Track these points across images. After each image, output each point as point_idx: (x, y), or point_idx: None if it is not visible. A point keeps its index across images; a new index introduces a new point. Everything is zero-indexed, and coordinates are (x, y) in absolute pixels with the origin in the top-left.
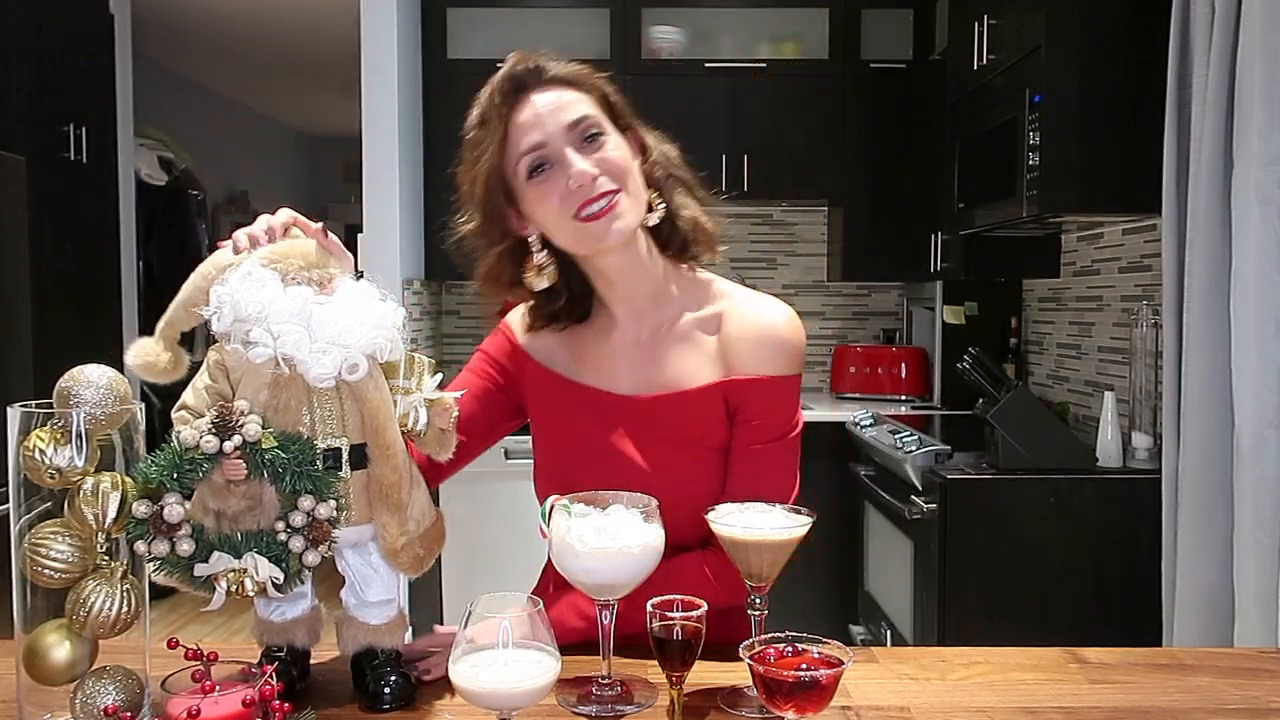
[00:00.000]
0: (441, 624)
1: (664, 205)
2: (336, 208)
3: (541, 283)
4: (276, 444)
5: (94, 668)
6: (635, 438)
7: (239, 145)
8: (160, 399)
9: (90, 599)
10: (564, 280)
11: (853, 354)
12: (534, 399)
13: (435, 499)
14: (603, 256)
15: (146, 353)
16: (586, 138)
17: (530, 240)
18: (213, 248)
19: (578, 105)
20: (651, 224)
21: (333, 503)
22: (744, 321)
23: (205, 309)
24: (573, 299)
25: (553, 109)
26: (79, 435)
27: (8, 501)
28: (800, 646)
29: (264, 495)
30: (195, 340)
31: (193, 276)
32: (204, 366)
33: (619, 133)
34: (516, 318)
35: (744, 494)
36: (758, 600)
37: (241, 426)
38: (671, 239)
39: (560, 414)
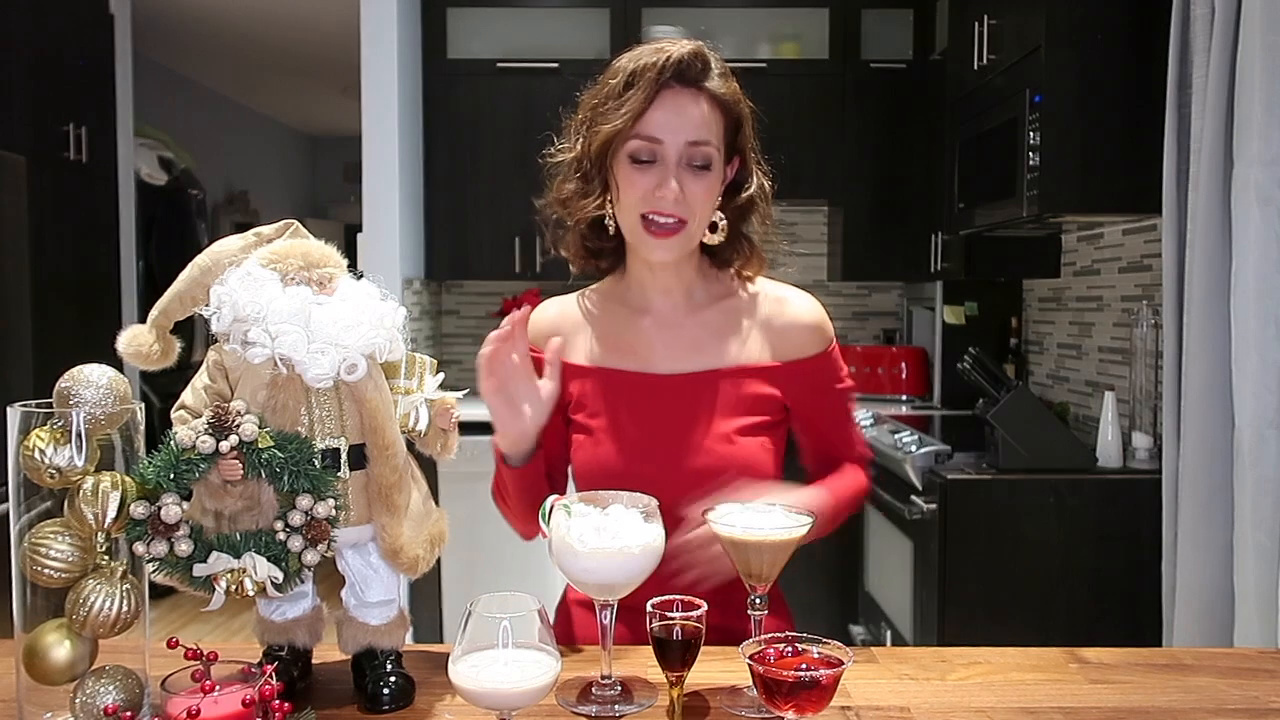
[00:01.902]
0: (441, 624)
1: (730, 229)
2: (336, 208)
3: (612, 227)
4: (273, 443)
5: (94, 667)
6: (685, 416)
7: (239, 145)
8: (160, 399)
9: (90, 599)
10: (616, 231)
11: (853, 354)
12: (575, 396)
13: (435, 499)
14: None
15: (137, 340)
16: (695, 163)
17: (609, 205)
18: None
19: (708, 129)
20: (711, 243)
21: (331, 502)
22: (777, 310)
23: (204, 309)
24: (618, 248)
25: (685, 121)
26: (79, 435)
27: (8, 501)
28: (800, 646)
29: (262, 495)
30: (195, 341)
31: (189, 268)
32: (203, 366)
33: (725, 155)
34: (535, 337)
35: (834, 449)
36: (758, 600)
37: (238, 426)
38: (722, 251)
39: (605, 403)
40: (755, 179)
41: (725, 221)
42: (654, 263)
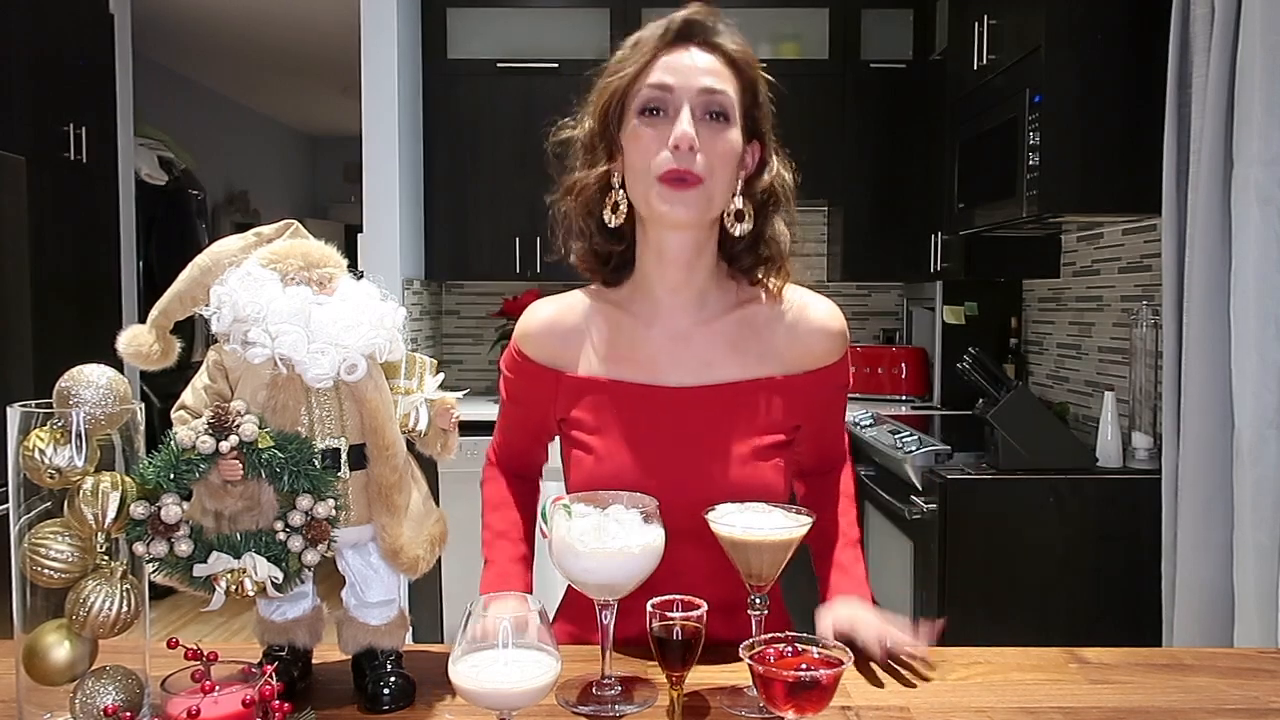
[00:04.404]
0: (441, 624)
1: (753, 222)
2: (336, 208)
3: (613, 220)
4: (273, 444)
5: (94, 668)
6: (696, 434)
7: (239, 145)
8: (160, 399)
9: (90, 599)
10: (629, 231)
11: (853, 354)
12: (574, 410)
13: (436, 499)
14: (663, 228)
15: (137, 340)
16: (711, 113)
17: (614, 177)
18: None
19: (723, 81)
20: (735, 234)
21: (331, 502)
22: (801, 317)
23: (204, 309)
24: (626, 253)
25: (698, 67)
26: (79, 435)
27: (8, 501)
28: (800, 646)
29: (262, 495)
30: (195, 341)
31: (189, 268)
32: (203, 366)
33: (743, 133)
34: (527, 344)
35: (826, 450)
36: (758, 600)
37: (238, 426)
38: (743, 256)
39: (608, 419)
40: (775, 166)
41: (750, 210)
42: (667, 239)
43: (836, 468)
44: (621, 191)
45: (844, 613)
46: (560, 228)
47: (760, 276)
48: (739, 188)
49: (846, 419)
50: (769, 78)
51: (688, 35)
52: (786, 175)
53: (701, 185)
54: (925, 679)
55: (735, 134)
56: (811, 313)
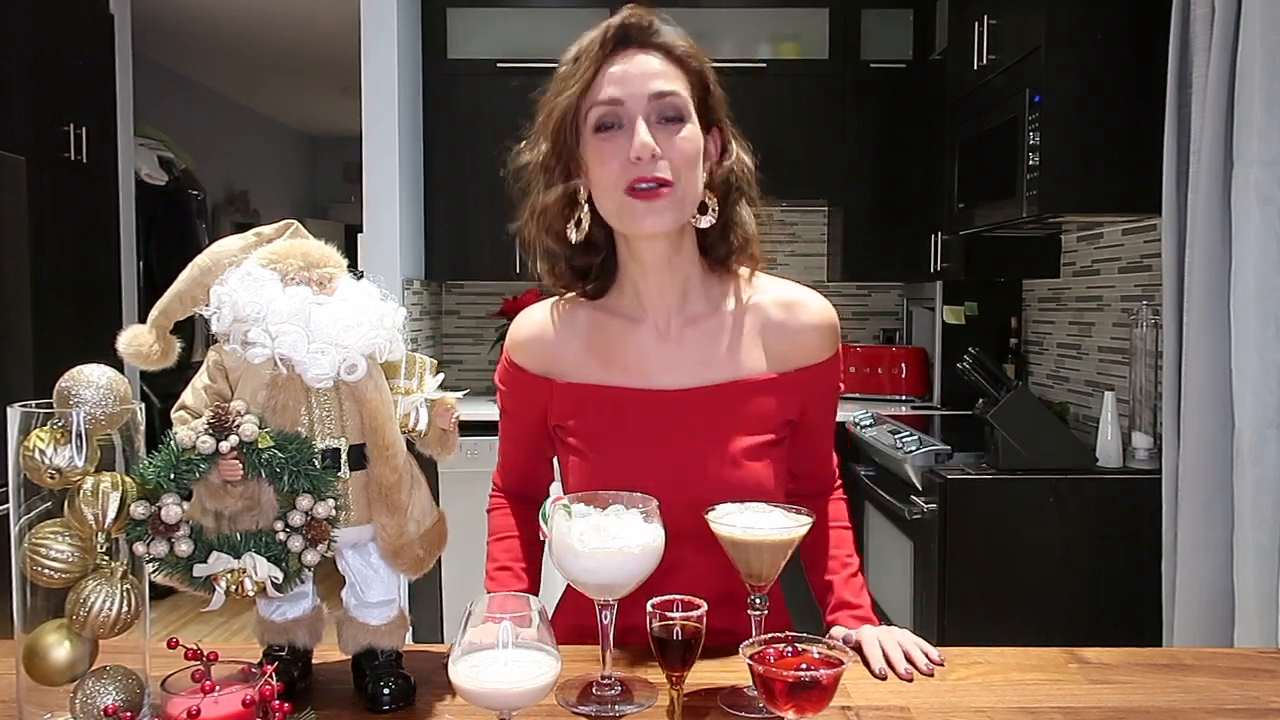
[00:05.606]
0: (441, 624)
1: (719, 211)
2: (336, 208)
3: (575, 235)
4: (273, 444)
5: (94, 668)
6: (688, 436)
7: (239, 145)
8: (160, 399)
9: (90, 599)
10: (604, 241)
11: (853, 354)
12: (568, 417)
13: (436, 499)
14: (640, 239)
15: (137, 340)
16: (666, 116)
17: (580, 193)
18: None
19: (671, 80)
20: (702, 226)
21: (331, 502)
22: (790, 315)
23: (204, 309)
24: (605, 263)
25: (644, 73)
26: (79, 435)
27: (8, 501)
28: (800, 646)
29: (262, 495)
30: (195, 341)
31: (189, 268)
32: (203, 366)
33: (700, 125)
34: (518, 353)
35: (820, 463)
36: (758, 600)
37: (238, 427)
38: (716, 246)
39: (600, 424)
40: (735, 151)
41: (715, 201)
42: (645, 246)
43: (825, 490)
44: (586, 206)
45: (850, 635)
46: (530, 253)
47: (735, 265)
48: (703, 168)
49: (845, 419)
50: (712, 63)
51: (626, 40)
52: (747, 159)
53: (671, 190)
54: (934, 668)
55: (693, 130)
56: (803, 309)
